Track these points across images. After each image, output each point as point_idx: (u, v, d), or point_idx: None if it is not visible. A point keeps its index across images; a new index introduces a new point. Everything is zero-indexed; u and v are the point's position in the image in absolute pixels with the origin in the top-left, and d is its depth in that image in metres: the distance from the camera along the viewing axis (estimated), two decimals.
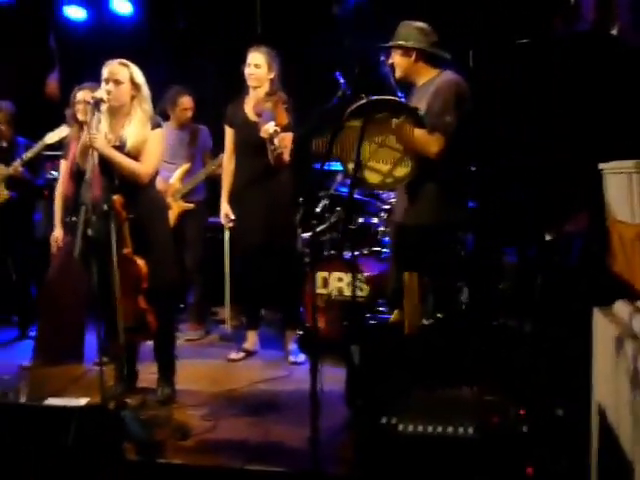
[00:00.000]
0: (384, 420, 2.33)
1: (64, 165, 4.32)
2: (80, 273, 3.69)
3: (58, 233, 4.32)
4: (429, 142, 3.19)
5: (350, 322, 2.83)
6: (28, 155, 4.60)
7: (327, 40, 5.37)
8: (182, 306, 5.29)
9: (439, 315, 2.86)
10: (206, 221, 5.11)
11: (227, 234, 4.69)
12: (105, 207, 3.21)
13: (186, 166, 4.91)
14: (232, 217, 4.34)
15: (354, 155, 3.04)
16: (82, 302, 4.15)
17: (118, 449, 2.82)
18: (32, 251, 4.95)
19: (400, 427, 2.32)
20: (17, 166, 4.61)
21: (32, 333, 4.67)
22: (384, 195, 4.61)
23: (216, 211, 4.50)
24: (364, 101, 3.12)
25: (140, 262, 3.38)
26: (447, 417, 2.32)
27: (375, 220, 4.74)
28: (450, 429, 2.29)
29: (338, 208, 4.88)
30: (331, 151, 3.02)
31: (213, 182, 4.93)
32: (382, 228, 4.64)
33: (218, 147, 4.78)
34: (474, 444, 2.26)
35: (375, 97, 3.15)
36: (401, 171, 3.29)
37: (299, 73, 5.26)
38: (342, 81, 4.23)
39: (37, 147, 4.56)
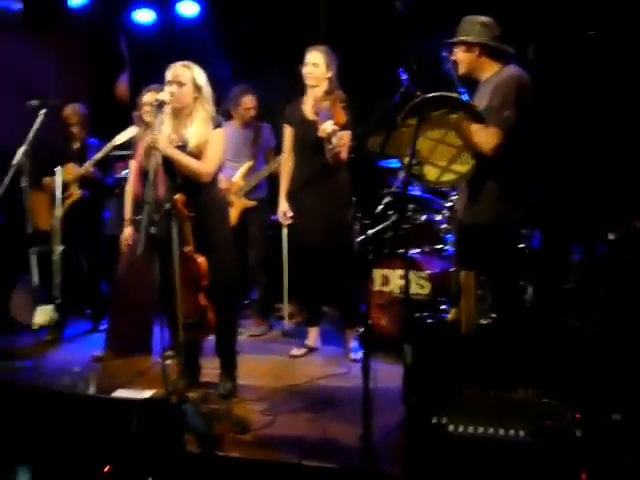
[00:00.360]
0: (435, 420, 2.31)
1: (133, 165, 4.46)
2: (148, 270, 3.82)
3: (127, 231, 4.46)
4: (485, 137, 3.14)
5: (405, 320, 2.81)
6: (98, 156, 4.77)
7: (391, 37, 5.36)
8: (246, 302, 5.40)
9: (495, 315, 2.81)
10: (268, 218, 5.17)
11: (285, 231, 4.74)
12: (167, 206, 3.30)
13: (249, 164, 4.99)
14: (290, 215, 4.39)
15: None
16: (151, 297, 4.27)
17: (179, 441, 2.90)
18: (103, 248, 5.14)
19: (450, 427, 2.30)
20: (88, 166, 4.79)
21: (104, 326, 4.85)
22: (447, 192, 4.57)
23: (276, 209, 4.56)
24: (419, 99, 3.09)
25: (201, 260, 3.46)
26: (499, 419, 2.28)
27: (438, 217, 4.71)
28: (501, 431, 2.25)
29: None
30: (384, 150, 3.02)
31: (275, 180, 5.00)
32: (445, 225, 4.61)
33: (281, 145, 4.85)
34: (525, 447, 2.22)
35: (430, 94, 3.12)
36: (459, 168, 3.25)
37: (363, 70, 5.27)
38: (405, 78, 4.21)
39: (106, 148, 4.72)
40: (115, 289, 4.69)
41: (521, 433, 2.23)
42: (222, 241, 3.65)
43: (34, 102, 3.82)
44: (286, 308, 5.10)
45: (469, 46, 3.37)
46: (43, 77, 5.76)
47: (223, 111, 5.04)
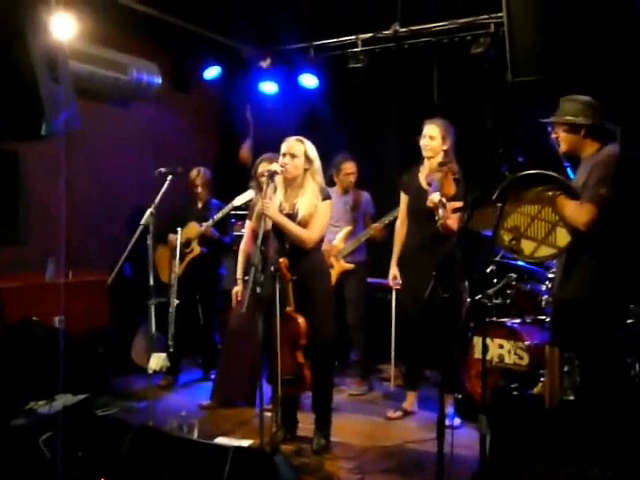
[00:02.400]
0: None
1: (249, 226, 4.79)
2: (253, 326, 4.08)
3: (238, 287, 4.76)
4: (579, 213, 3.18)
5: (482, 389, 2.87)
6: (218, 216, 5.14)
7: (501, 110, 5.50)
8: (348, 362, 5.55)
9: (580, 392, 2.81)
10: (366, 281, 5.36)
11: (394, 295, 4.88)
12: (272, 268, 3.57)
13: (348, 229, 5.23)
14: (399, 280, 4.53)
15: (508, 226, 3.20)
16: (256, 352, 4.52)
17: None
18: (217, 301, 5.50)
19: None
20: (208, 226, 5.18)
21: (214, 376, 5.14)
22: (551, 264, 4.57)
23: (376, 272, 4.71)
24: (510, 178, 3.20)
25: (301, 320, 3.68)
26: None
27: (543, 288, 4.70)
28: None
29: (510, 274, 4.92)
30: (468, 224, 3.12)
31: (374, 244, 5.21)
32: (547, 297, 4.60)
33: (380, 212, 5.09)
34: None
35: (525, 172, 3.22)
36: (555, 242, 3.30)
37: (475, 142, 5.41)
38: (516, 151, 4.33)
39: (226, 209, 5.09)
40: (224, 342, 5.00)
41: None
42: (322, 303, 3.85)
43: (162, 170, 4.22)
44: (392, 370, 5.19)
45: (574, 127, 3.40)
46: (176, 141, 6.34)
47: (327, 177, 5.36)
